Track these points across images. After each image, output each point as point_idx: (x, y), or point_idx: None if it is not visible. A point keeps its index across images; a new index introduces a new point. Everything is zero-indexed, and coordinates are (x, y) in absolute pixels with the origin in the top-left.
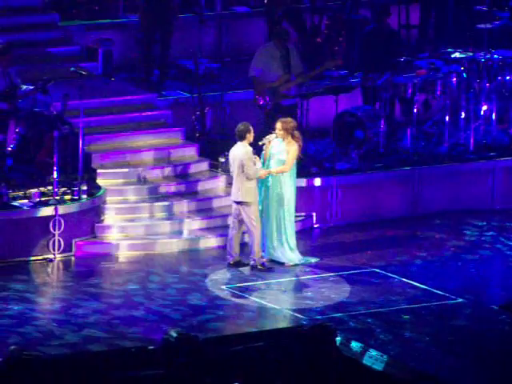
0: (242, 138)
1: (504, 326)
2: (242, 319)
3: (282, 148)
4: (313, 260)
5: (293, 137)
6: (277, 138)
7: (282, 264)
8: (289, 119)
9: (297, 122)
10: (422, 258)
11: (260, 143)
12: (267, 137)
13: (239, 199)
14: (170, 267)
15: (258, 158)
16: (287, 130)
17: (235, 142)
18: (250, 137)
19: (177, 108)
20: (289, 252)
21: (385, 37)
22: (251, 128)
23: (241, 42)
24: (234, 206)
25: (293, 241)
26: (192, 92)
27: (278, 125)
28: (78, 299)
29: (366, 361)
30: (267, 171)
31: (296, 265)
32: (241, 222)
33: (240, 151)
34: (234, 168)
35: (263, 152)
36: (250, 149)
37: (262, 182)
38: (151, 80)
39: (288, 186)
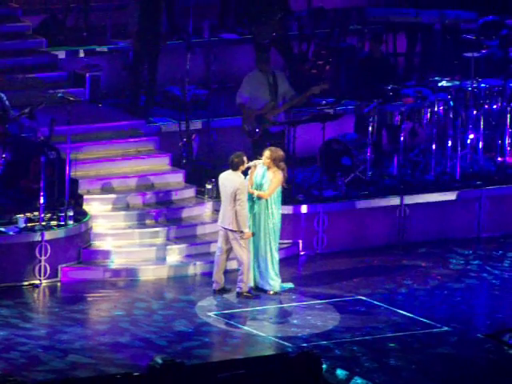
0: (236, 169)
1: (490, 354)
2: (227, 346)
3: (267, 177)
4: (287, 286)
5: (278, 167)
6: (263, 164)
7: (266, 291)
8: (278, 149)
9: (284, 150)
10: (408, 287)
11: (246, 165)
12: (254, 161)
13: (231, 227)
14: (156, 293)
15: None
16: (274, 160)
17: (222, 169)
18: (243, 167)
19: (164, 134)
20: (272, 280)
21: (377, 64)
22: (245, 159)
23: (228, 68)
24: (222, 232)
25: (276, 268)
26: (179, 118)
27: (267, 153)
28: (63, 325)
29: None
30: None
31: (276, 293)
32: (229, 248)
33: (235, 181)
34: (225, 195)
35: (247, 177)
36: (244, 180)
37: (248, 210)
38: (139, 106)
39: (273, 213)
